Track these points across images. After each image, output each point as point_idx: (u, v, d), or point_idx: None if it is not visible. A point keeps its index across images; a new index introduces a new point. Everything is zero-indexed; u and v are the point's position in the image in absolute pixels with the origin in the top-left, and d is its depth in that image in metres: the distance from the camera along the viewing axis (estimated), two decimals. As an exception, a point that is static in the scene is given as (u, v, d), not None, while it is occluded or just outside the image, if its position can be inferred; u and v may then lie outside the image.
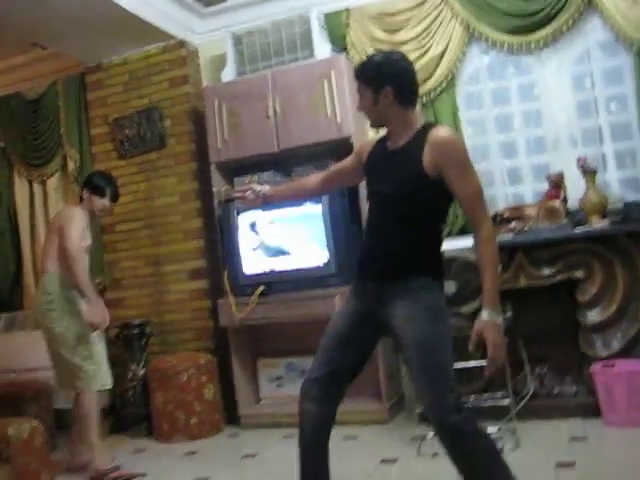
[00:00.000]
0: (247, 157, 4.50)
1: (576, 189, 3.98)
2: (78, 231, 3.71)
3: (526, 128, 4.39)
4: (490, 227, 2.22)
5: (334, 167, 2.76)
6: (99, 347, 3.79)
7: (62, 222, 3.74)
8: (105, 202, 3.86)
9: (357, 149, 2.62)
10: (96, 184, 3.86)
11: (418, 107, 2.41)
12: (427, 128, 2.31)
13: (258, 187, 2.73)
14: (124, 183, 4.88)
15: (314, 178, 2.75)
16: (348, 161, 2.64)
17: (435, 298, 2.29)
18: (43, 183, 5.43)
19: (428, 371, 2.20)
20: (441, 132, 2.27)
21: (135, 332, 4.67)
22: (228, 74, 4.66)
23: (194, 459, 3.95)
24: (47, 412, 4.55)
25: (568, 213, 3.89)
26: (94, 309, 3.66)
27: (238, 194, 2.81)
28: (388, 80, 2.30)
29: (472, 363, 3.78)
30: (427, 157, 2.22)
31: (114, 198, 3.93)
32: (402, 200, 2.28)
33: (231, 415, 4.53)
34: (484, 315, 2.16)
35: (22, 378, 4.77)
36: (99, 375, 3.71)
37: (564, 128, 4.26)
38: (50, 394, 4.62)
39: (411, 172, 2.25)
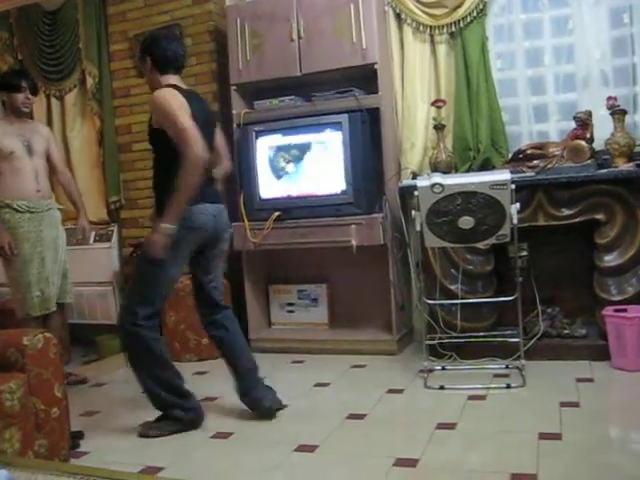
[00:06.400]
0: (268, 80, 4.41)
1: (603, 130, 3.87)
2: None
3: (556, 64, 4.24)
4: (192, 159, 2.78)
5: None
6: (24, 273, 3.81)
7: None
8: (27, 94, 3.84)
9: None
10: (10, 81, 3.87)
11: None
12: None
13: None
14: (143, 102, 4.82)
15: None
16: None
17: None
18: (61, 98, 5.35)
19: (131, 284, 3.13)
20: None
21: (149, 252, 4.68)
22: (252, -7, 4.52)
23: (204, 379, 4.03)
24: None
25: (593, 154, 3.79)
26: None
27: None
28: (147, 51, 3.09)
29: (482, 300, 3.81)
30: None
31: (34, 90, 3.93)
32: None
33: (242, 338, 4.59)
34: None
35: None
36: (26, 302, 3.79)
37: (596, 66, 4.10)
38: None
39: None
